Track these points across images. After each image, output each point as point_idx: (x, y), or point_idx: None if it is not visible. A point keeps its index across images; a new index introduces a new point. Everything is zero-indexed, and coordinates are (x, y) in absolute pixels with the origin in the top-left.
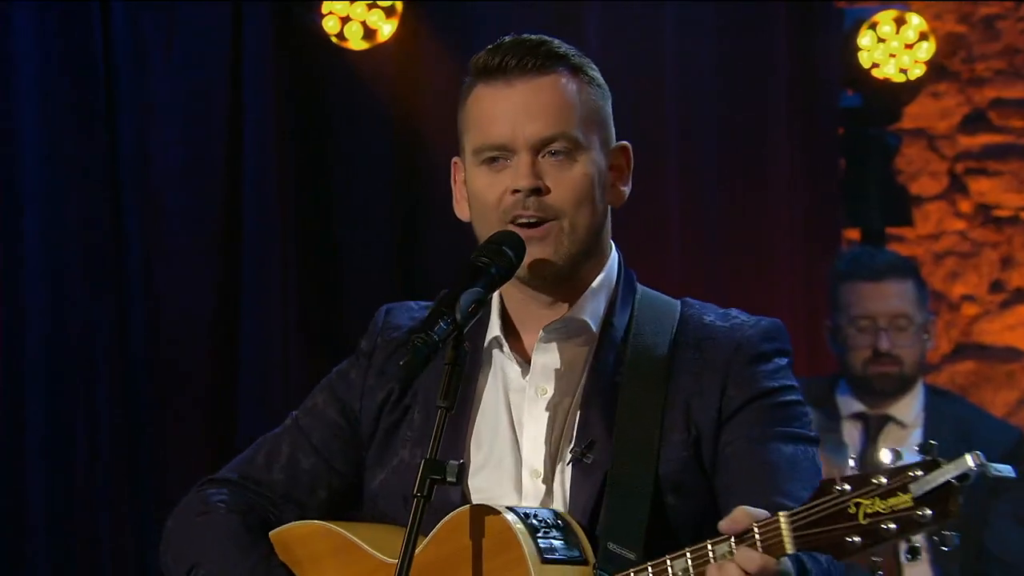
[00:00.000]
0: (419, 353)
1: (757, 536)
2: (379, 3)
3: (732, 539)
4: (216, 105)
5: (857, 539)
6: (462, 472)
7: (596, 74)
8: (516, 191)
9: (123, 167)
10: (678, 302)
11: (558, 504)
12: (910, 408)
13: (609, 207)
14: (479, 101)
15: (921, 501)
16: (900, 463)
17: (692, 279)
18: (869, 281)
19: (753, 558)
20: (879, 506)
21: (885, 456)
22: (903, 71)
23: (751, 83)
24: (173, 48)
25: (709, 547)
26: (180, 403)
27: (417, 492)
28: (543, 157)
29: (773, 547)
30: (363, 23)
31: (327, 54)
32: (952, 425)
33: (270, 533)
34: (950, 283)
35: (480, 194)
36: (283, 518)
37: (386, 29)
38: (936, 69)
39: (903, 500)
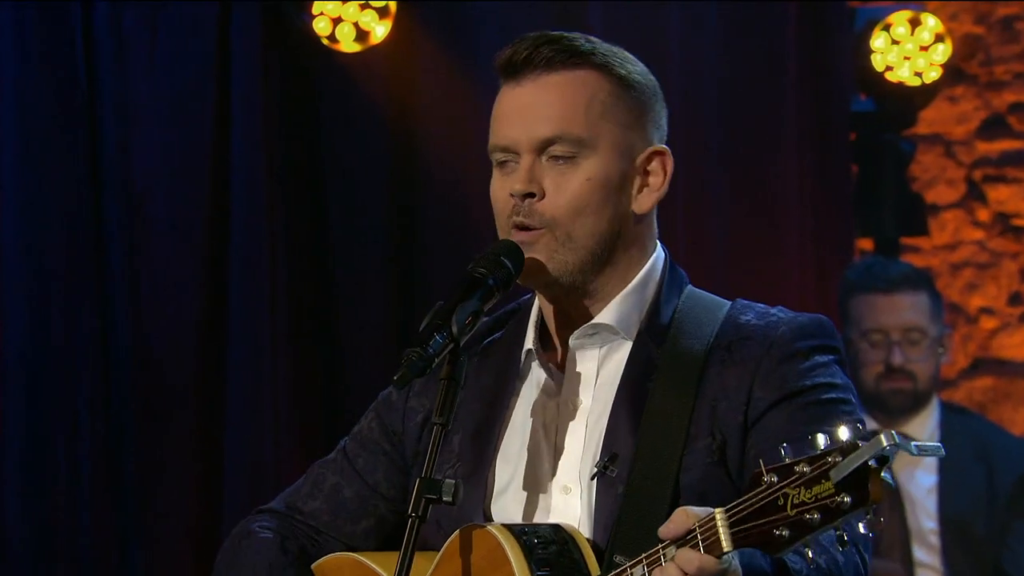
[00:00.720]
0: (413, 368)
1: (698, 535)
2: (372, 3)
3: (674, 542)
4: (202, 107)
5: (785, 532)
6: (458, 491)
7: (631, 72)
8: (512, 195)
9: (105, 170)
10: (727, 304)
11: (584, 520)
12: (925, 426)
13: (636, 213)
14: (498, 100)
15: (841, 487)
16: (826, 447)
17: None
18: (882, 293)
19: (691, 559)
20: (804, 495)
21: (820, 440)
22: (918, 74)
23: (759, 87)
24: (157, 47)
25: (661, 551)
26: (166, 414)
27: (412, 512)
28: (545, 160)
29: (712, 546)
30: (355, 24)
31: (318, 56)
32: (970, 444)
33: (312, 566)
34: (967, 295)
35: (492, 195)
36: (325, 548)
37: (379, 31)
38: (952, 72)
39: (825, 488)
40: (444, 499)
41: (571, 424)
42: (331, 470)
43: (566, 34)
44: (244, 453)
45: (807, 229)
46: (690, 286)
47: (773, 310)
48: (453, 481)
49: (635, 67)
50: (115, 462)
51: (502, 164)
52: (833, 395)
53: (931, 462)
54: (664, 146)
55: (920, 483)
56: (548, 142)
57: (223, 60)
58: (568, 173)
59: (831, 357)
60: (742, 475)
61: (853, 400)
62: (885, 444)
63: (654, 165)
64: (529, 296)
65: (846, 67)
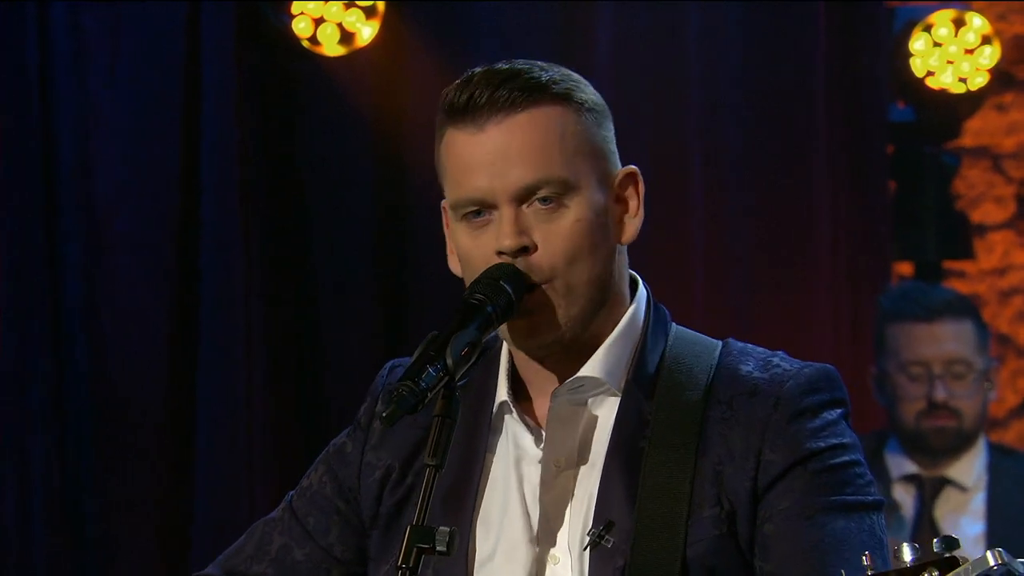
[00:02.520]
0: (404, 404)
1: None
2: (358, 3)
3: None
4: (169, 117)
5: None
6: (453, 540)
7: (589, 95)
8: (502, 252)
9: (61, 188)
10: (718, 345)
11: None
12: (971, 469)
13: (618, 246)
14: (451, 148)
15: None
16: (919, 560)
17: (717, 324)
18: (922, 322)
19: None
20: None
21: (906, 553)
22: (962, 80)
23: (786, 95)
24: (119, 51)
25: None
26: (129, 461)
27: (402, 563)
28: (528, 207)
29: None
30: (339, 25)
31: (298, 60)
32: (1020, 489)
33: None
34: (1017, 325)
35: (466, 255)
36: None
37: (366, 32)
38: (1001, 77)
39: None
40: (438, 549)
41: (555, 486)
42: (278, 530)
43: (517, 67)
44: (216, 499)
45: (839, 252)
46: (675, 325)
47: (774, 358)
48: (448, 529)
49: (588, 88)
50: (72, 510)
51: (473, 216)
52: (845, 457)
53: (978, 507)
54: (632, 167)
55: (966, 532)
56: (530, 189)
57: (193, 65)
58: (556, 219)
59: (839, 412)
60: (752, 548)
61: (863, 461)
62: (992, 564)
63: (628, 189)
64: (492, 338)
65: (882, 72)
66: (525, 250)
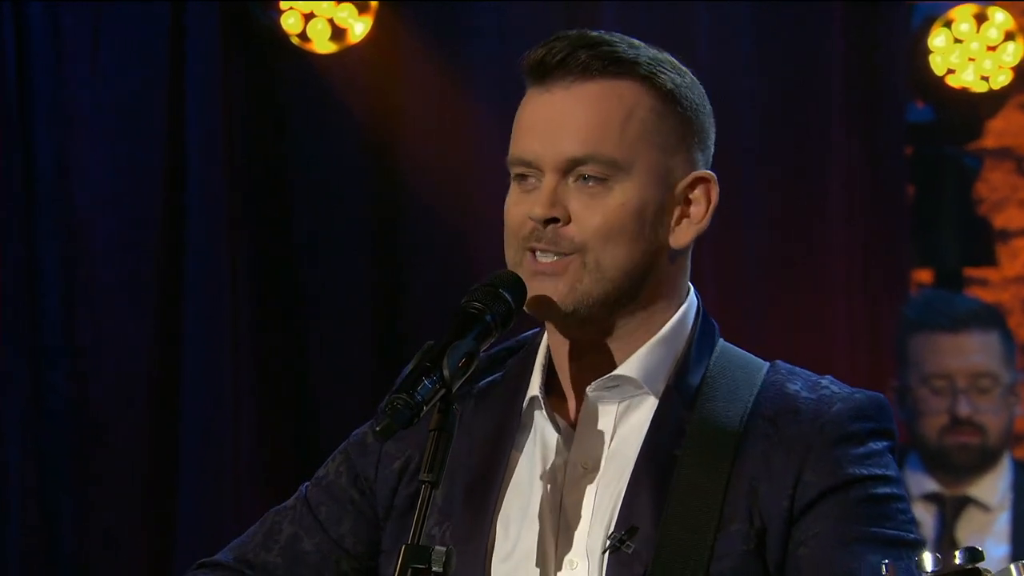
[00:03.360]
0: (399, 417)
1: None
2: None
3: None
4: (153, 118)
5: None
6: (450, 560)
7: (679, 86)
8: (532, 218)
9: (40, 192)
10: (765, 365)
11: None
12: (995, 488)
13: (672, 248)
14: (523, 104)
15: None
16: (941, 571)
17: (726, 335)
18: (945, 332)
19: None
20: None
21: (927, 563)
22: (984, 78)
23: (800, 95)
24: (100, 50)
25: None
26: (110, 481)
27: None
28: (573, 181)
29: None
30: (330, 21)
31: (287, 58)
32: None
33: None
34: None
35: (507, 213)
36: None
37: (358, 28)
38: None
39: None
40: (434, 569)
41: (579, 488)
42: (289, 519)
43: (607, 36)
44: (201, 521)
45: (855, 260)
46: (722, 341)
47: (824, 381)
48: (444, 548)
49: (684, 79)
50: (51, 539)
51: (521, 179)
52: (888, 490)
53: (1003, 528)
54: (710, 172)
55: (990, 553)
56: (576, 162)
57: (177, 64)
58: (599, 196)
59: (886, 444)
60: (782, 570)
61: (905, 496)
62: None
63: (696, 193)
64: (534, 333)
65: (900, 71)
66: (556, 221)
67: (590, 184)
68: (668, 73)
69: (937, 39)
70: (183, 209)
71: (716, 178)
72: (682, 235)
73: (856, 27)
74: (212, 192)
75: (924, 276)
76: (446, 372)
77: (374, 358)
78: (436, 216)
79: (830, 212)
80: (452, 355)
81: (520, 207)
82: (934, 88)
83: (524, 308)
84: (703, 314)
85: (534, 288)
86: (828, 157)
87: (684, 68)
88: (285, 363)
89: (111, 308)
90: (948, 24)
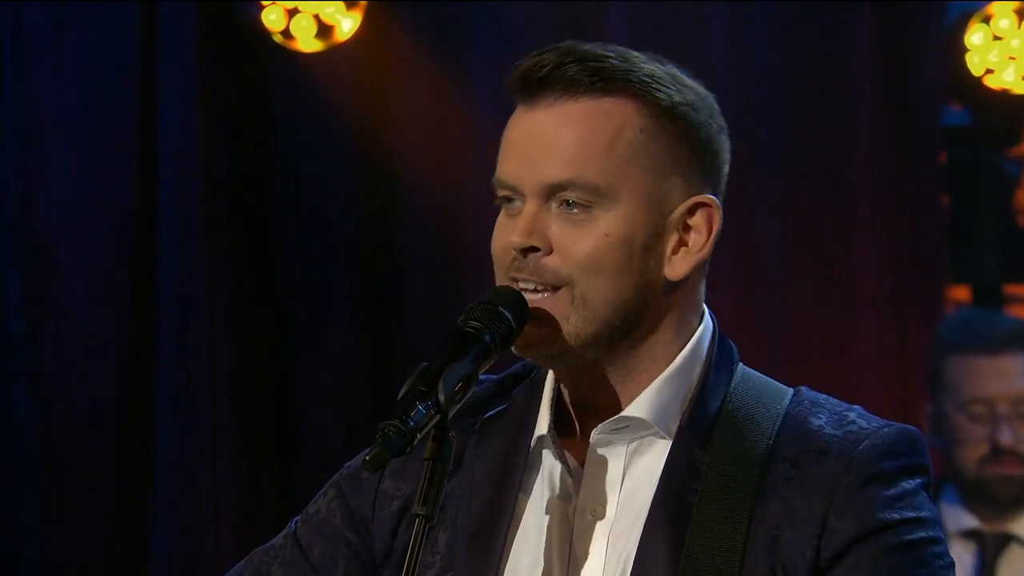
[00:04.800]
0: (390, 446)
1: None
2: None
3: None
4: (123, 122)
5: None
6: None
7: (677, 102)
8: (511, 247)
9: (0, 204)
10: (788, 393)
11: None
12: None
13: (669, 280)
14: (510, 122)
15: None
16: None
17: (746, 357)
18: (984, 354)
19: None
20: None
21: None
22: None
23: (825, 97)
24: (64, 51)
25: None
26: (77, 516)
27: None
28: (556, 207)
29: None
30: (316, 17)
31: (270, 57)
32: None
33: None
34: None
35: (493, 240)
36: None
37: (346, 25)
38: None
39: None
40: None
41: (590, 538)
42: (278, 561)
43: (599, 49)
44: (177, 556)
45: (885, 276)
46: (742, 366)
47: (851, 413)
48: None
49: (684, 93)
50: (14, 570)
51: (507, 202)
52: (922, 534)
53: None
54: (711, 196)
55: None
56: (557, 188)
57: (149, 63)
58: (583, 225)
59: (919, 481)
60: None
61: (942, 539)
62: None
63: (696, 220)
64: None
65: (934, 71)
66: (536, 250)
67: (574, 211)
68: (665, 88)
69: (974, 36)
70: (156, 220)
71: (719, 203)
72: (679, 266)
73: (885, 24)
74: (188, 202)
75: (960, 293)
76: (441, 397)
77: (364, 381)
78: (430, 225)
79: (857, 224)
80: (448, 378)
81: (503, 233)
82: (971, 89)
83: (512, 350)
84: (719, 339)
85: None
86: (855, 165)
87: (690, 83)
88: (267, 386)
89: (78, 326)
90: (986, 20)
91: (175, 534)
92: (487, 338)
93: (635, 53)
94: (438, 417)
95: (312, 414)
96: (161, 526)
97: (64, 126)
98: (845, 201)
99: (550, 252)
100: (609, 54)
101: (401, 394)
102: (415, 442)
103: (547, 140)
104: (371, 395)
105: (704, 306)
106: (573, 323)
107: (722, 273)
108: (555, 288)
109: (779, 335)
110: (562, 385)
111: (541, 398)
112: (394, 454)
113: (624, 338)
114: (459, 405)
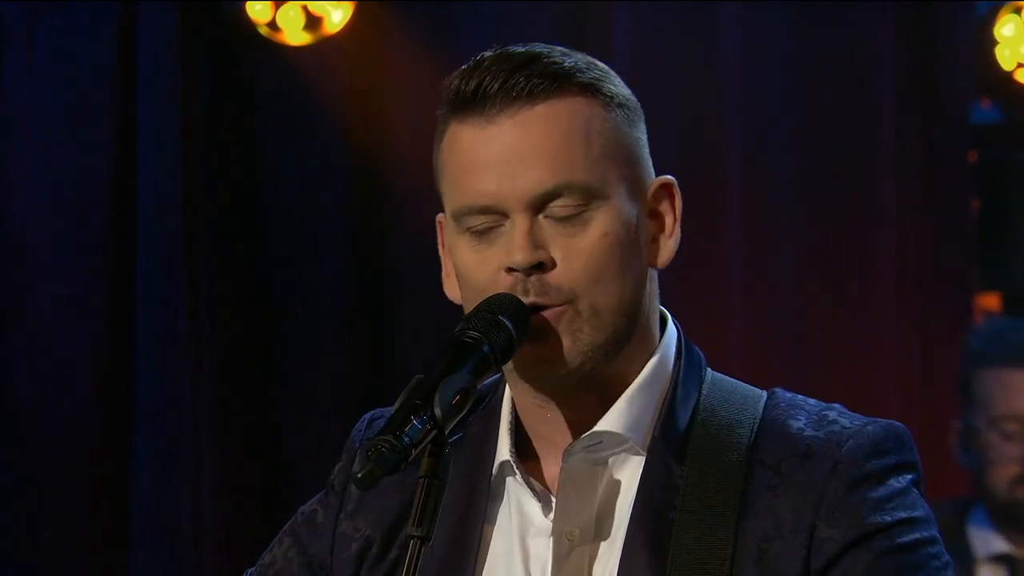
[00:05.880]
0: (384, 463)
1: None
2: None
3: None
4: (98, 121)
5: None
6: None
7: (619, 89)
8: (512, 269)
9: None
10: (762, 396)
11: None
12: None
13: (649, 270)
14: (454, 145)
15: None
16: None
17: (759, 371)
18: (1017, 367)
19: None
20: None
21: None
22: None
23: (846, 95)
24: (38, 48)
25: None
26: (49, 540)
27: None
28: (546, 217)
29: None
30: (304, 8)
31: (254, 50)
32: None
33: None
34: None
35: (468, 273)
36: None
37: (336, 16)
38: None
39: None
40: None
41: (568, 564)
42: None
43: (535, 49)
44: None
45: (909, 283)
46: (710, 371)
47: (831, 412)
48: None
49: (616, 80)
50: None
51: (480, 232)
52: (917, 535)
53: None
54: (669, 177)
55: None
56: (549, 196)
57: (126, 57)
58: (580, 232)
59: (909, 478)
60: None
61: (937, 538)
62: None
63: (663, 204)
64: (493, 382)
65: (963, 66)
66: (541, 267)
67: (568, 218)
68: (604, 76)
69: (1005, 28)
70: (134, 226)
71: (676, 181)
72: (661, 252)
73: (910, 16)
74: (168, 206)
75: (990, 302)
76: (438, 411)
77: (356, 400)
78: (425, 230)
79: (881, 229)
80: (445, 391)
81: (488, 259)
82: (1002, 85)
83: (517, 373)
84: (685, 344)
85: (522, 353)
86: (878, 166)
87: (604, 65)
88: (252, 408)
89: (50, 341)
90: (1017, 11)
91: (153, 555)
92: (486, 348)
93: (561, 49)
94: (434, 432)
95: (299, 429)
96: (138, 547)
97: (37, 126)
98: (868, 205)
99: (553, 267)
100: (546, 55)
101: (395, 408)
102: (410, 459)
103: (523, 149)
104: (360, 402)
105: (663, 308)
106: (587, 334)
107: (736, 283)
108: (563, 304)
109: (797, 347)
110: (528, 404)
111: (499, 425)
112: (387, 472)
113: (626, 341)
114: (457, 419)
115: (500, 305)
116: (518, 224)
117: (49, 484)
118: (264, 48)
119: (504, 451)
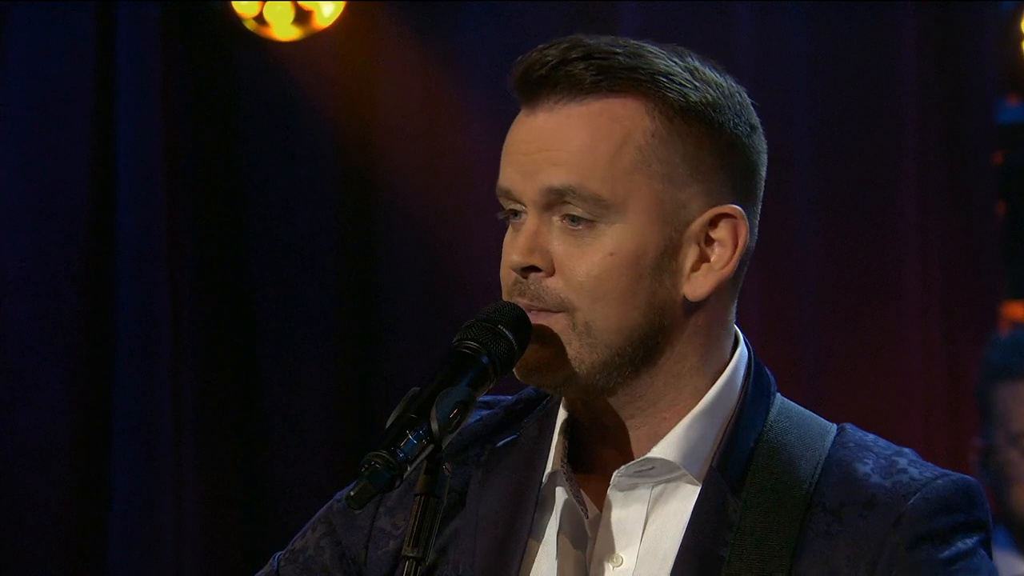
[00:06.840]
0: (377, 480)
1: None
2: None
3: None
4: (75, 121)
5: None
6: None
7: (694, 100)
8: (511, 267)
9: None
10: (832, 431)
11: None
12: None
13: (689, 300)
14: (511, 128)
15: None
16: None
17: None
18: None
19: None
20: None
21: None
22: None
23: (866, 94)
24: (10, 44)
25: None
26: (27, 553)
27: None
28: (559, 220)
29: None
30: (293, 2)
31: (241, 46)
32: None
33: None
34: None
35: (503, 256)
36: None
37: (326, 10)
38: None
39: None
40: None
41: None
42: None
43: (606, 44)
44: None
45: (932, 292)
46: (780, 397)
47: (902, 459)
48: None
49: (703, 91)
50: None
51: (514, 216)
52: None
53: None
54: (735, 206)
55: None
56: (557, 194)
57: (104, 55)
58: (585, 242)
59: (976, 539)
60: None
61: None
62: None
63: (720, 232)
64: None
65: (987, 63)
66: (537, 270)
67: (577, 227)
68: (680, 87)
69: None
70: (113, 233)
71: (745, 213)
72: (700, 284)
73: (932, 13)
74: (148, 208)
75: (1017, 311)
76: (435, 425)
77: (346, 415)
78: (418, 233)
79: (901, 235)
80: (442, 405)
81: (509, 248)
82: None
83: (515, 374)
84: (756, 368)
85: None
86: (900, 168)
87: (713, 77)
88: (236, 423)
89: (25, 352)
90: None
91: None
92: (485, 359)
93: (649, 47)
94: (431, 447)
95: (285, 446)
96: (117, 568)
97: (8, 123)
98: (889, 210)
99: (552, 272)
100: (617, 49)
101: (389, 422)
102: (405, 475)
103: (547, 144)
104: (351, 425)
105: (738, 330)
106: (576, 349)
107: (754, 293)
108: (558, 311)
109: (816, 358)
110: (577, 415)
111: (554, 429)
112: (381, 489)
113: (642, 365)
114: (454, 434)
115: (500, 314)
116: (528, 221)
117: (24, 502)
118: (250, 44)
119: (556, 459)
